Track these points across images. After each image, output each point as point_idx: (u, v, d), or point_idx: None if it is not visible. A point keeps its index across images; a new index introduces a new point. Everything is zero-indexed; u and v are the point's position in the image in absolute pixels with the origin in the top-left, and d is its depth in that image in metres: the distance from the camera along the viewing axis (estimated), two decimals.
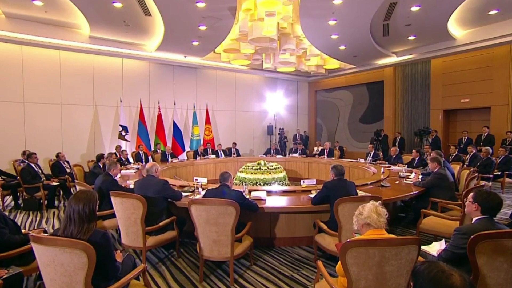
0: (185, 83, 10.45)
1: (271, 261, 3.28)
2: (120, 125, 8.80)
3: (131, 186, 4.08)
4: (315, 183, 4.23)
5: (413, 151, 6.98)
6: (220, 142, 10.54)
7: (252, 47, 7.20)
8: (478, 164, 6.44)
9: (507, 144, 7.48)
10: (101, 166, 5.70)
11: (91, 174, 5.41)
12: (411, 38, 8.03)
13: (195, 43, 8.01)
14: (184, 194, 3.70)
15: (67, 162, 6.80)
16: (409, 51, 9.15)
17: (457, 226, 2.60)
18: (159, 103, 9.71)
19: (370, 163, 7.20)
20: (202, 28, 6.89)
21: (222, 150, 9.45)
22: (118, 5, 5.88)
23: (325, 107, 13.58)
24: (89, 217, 1.80)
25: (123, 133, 8.77)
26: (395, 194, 3.92)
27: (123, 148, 8.34)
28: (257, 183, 6.45)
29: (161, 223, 3.13)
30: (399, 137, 9.88)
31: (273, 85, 12.69)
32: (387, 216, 1.85)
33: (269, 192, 3.91)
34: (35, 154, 5.92)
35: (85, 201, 1.81)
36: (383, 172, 5.27)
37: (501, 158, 6.66)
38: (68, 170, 6.55)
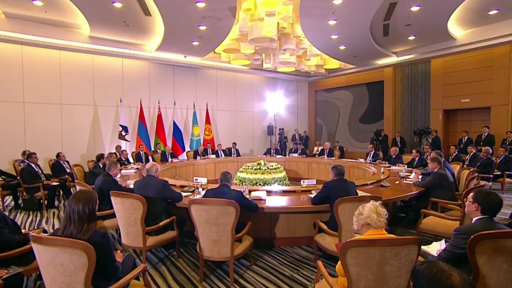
0: (185, 83, 10.45)
1: (271, 261, 3.28)
2: (120, 125, 8.80)
3: (131, 186, 4.08)
4: (315, 183, 4.22)
5: (413, 151, 6.98)
6: (220, 142, 10.55)
7: (252, 47, 7.20)
8: (478, 164, 6.44)
9: (507, 144, 7.48)
10: (101, 166, 5.70)
11: (91, 174, 5.41)
12: (411, 38, 8.04)
13: (195, 43, 8.02)
14: (184, 194, 3.70)
15: (67, 162, 6.80)
16: (409, 51, 9.15)
17: (457, 226, 2.60)
18: (159, 103, 9.71)
19: (370, 163, 7.20)
20: (202, 28, 6.89)
21: (222, 150, 9.45)
22: (118, 5, 5.88)
23: (325, 107, 13.58)
24: (89, 217, 1.80)
25: (123, 133, 8.78)
26: (395, 194, 3.92)
27: (123, 148, 8.34)
28: (257, 183, 6.45)
29: (161, 223, 3.13)
30: (399, 137, 9.88)
31: (273, 85, 12.70)
32: (387, 216, 1.85)
33: (269, 192, 3.91)
34: (35, 154, 5.92)
35: (85, 201, 1.81)
36: (383, 172, 5.27)
37: (501, 158, 6.66)
38: (68, 170, 6.55)
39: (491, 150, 6.58)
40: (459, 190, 4.45)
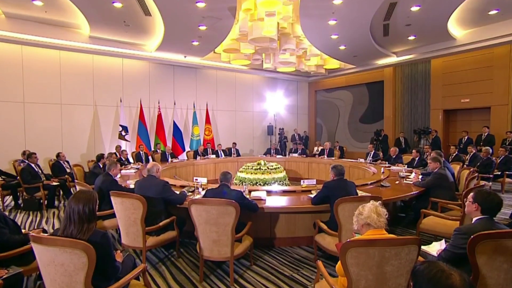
0: (185, 83, 10.45)
1: (271, 261, 3.28)
2: (120, 125, 8.80)
3: (131, 186, 4.08)
4: (315, 183, 4.22)
5: (413, 151, 7.00)
6: (220, 142, 10.54)
7: (252, 47, 7.20)
8: (478, 164, 6.44)
9: (507, 144, 7.48)
10: (101, 166, 5.70)
11: (91, 174, 5.41)
12: (411, 38, 8.03)
13: (195, 43, 8.01)
14: None
15: (67, 162, 6.80)
16: (409, 51, 9.15)
17: (457, 226, 2.60)
18: (159, 103, 9.71)
19: (370, 163, 7.20)
20: (202, 28, 6.89)
21: (222, 150, 9.45)
22: (118, 5, 5.88)
23: (325, 107, 13.58)
24: (89, 217, 1.80)
25: (123, 133, 8.77)
26: (395, 194, 3.92)
27: (123, 148, 8.34)
28: (257, 183, 6.45)
29: (161, 223, 3.12)
30: (403, 138, 9.84)
31: (273, 85, 12.69)
32: (387, 216, 1.85)
33: (269, 192, 3.91)
34: (35, 154, 5.92)
35: (85, 201, 1.80)
36: (383, 172, 5.27)
37: (501, 158, 6.67)
38: (68, 170, 6.55)
39: (491, 150, 6.58)
40: (459, 190, 4.45)
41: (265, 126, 12.56)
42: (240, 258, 3.07)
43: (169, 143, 9.62)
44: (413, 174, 4.90)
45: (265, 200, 3.53)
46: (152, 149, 9.23)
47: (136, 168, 6.51)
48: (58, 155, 6.66)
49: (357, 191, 3.48)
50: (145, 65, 9.56)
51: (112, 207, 3.16)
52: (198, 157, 8.56)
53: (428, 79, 9.91)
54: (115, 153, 7.71)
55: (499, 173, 6.38)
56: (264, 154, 9.70)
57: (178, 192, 3.61)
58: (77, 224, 1.76)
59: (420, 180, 4.42)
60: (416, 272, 1.13)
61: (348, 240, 1.73)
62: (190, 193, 3.86)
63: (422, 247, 2.03)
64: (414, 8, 6.16)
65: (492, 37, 7.39)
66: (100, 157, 6.16)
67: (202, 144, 10.02)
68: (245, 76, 11.88)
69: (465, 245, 1.75)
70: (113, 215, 3.30)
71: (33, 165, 5.71)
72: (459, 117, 9.77)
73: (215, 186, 3.49)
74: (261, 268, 3.11)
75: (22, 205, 5.55)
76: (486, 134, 8.09)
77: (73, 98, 8.33)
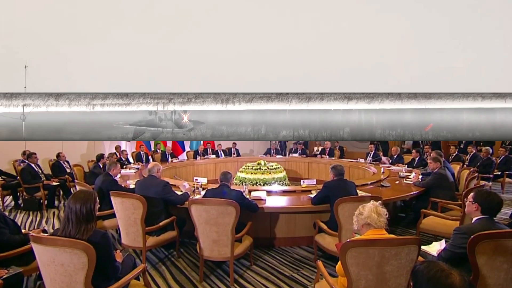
0: None
1: (271, 261, 3.28)
2: None
3: (131, 186, 4.08)
4: (315, 183, 4.21)
5: (413, 151, 6.99)
6: (220, 142, 10.52)
7: None
8: (478, 164, 6.44)
9: (507, 144, 7.48)
10: (101, 166, 5.70)
11: (91, 174, 5.41)
12: None
13: None
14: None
15: (67, 162, 6.80)
16: None
17: (457, 226, 2.60)
18: None
19: (370, 163, 7.19)
20: None
21: (222, 150, 9.45)
22: None
23: None
24: (87, 218, 1.77)
25: None
26: (395, 194, 3.92)
27: (123, 148, 8.34)
28: (257, 183, 6.44)
29: (161, 223, 3.12)
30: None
31: None
32: (387, 216, 1.85)
33: (269, 192, 3.91)
34: (35, 154, 5.92)
35: (83, 201, 1.78)
36: (383, 172, 5.27)
37: (501, 158, 6.66)
38: (68, 170, 6.55)
39: (491, 150, 6.57)
40: (459, 190, 4.44)
41: None
42: (240, 258, 3.07)
43: (169, 143, 9.61)
44: (413, 174, 4.90)
45: (265, 200, 3.53)
46: (152, 149, 9.23)
47: (136, 168, 6.51)
48: (58, 155, 6.66)
49: (357, 191, 3.48)
50: None
51: (112, 207, 3.16)
52: (198, 157, 8.56)
53: None
54: (115, 153, 7.71)
55: (499, 173, 6.37)
56: (264, 154, 9.69)
57: (179, 193, 3.61)
58: (75, 224, 1.75)
59: (420, 180, 4.41)
60: (416, 272, 1.13)
61: (348, 240, 1.74)
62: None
63: (422, 247, 2.03)
64: None
65: None
66: (100, 157, 6.16)
67: (202, 144, 10.00)
68: None
69: (465, 245, 1.75)
70: (113, 215, 3.30)
71: (33, 165, 5.71)
72: None
73: (215, 186, 3.48)
74: (261, 268, 3.11)
75: (22, 205, 5.55)
76: None
77: None
